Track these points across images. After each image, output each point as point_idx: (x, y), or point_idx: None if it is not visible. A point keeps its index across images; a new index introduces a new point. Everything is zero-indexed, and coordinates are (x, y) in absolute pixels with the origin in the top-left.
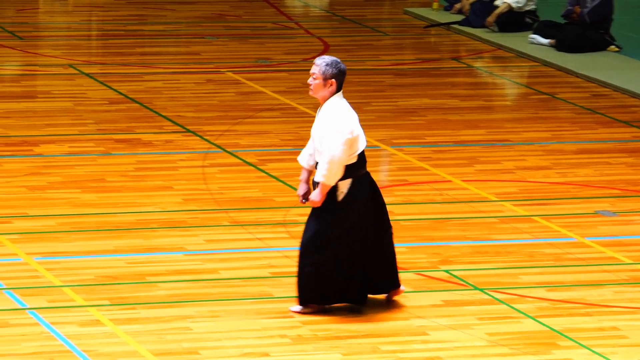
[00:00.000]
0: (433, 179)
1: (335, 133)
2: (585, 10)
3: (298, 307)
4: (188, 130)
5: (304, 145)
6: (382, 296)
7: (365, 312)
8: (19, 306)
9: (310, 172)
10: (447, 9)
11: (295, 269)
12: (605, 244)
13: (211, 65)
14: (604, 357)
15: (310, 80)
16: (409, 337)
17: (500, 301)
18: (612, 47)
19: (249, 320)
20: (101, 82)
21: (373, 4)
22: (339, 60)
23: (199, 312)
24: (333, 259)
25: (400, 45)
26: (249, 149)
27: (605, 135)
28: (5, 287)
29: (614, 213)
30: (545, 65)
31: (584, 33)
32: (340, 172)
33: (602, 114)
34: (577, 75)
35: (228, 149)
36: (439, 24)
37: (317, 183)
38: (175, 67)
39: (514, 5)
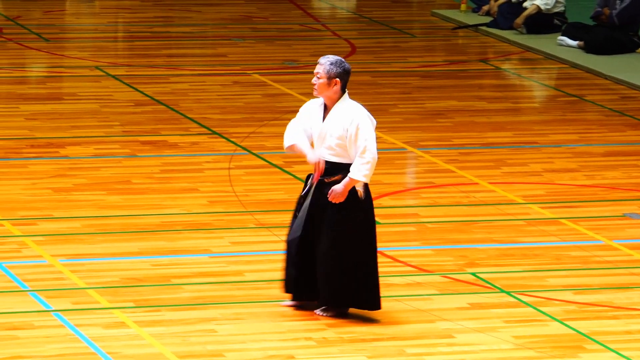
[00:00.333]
0: (460, 181)
1: (371, 133)
2: (614, 11)
3: (319, 310)
4: (214, 132)
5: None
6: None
7: (390, 315)
8: (44, 308)
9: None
10: (475, 10)
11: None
12: (633, 246)
13: (237, 67)
14: None
15: (314, 80)
16: (434, 340)
17: (527, 304)
18: None
19: (273, 322)
20: (127, 84)
21: (401, 6)
22: (343, 59)
23: (224, 314)
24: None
25: (428, 47)
26: (275, 151)
27: (634, 137)
28: (30, 289)
29: None
30: (574, 67)
31: (612, 35)
32: None
33: (630, 116)
34: (605, 77)
35: (254, 151)
36: (467, 26)
37: (333, 181)
38: (201, 69)
39: (542, 6)
